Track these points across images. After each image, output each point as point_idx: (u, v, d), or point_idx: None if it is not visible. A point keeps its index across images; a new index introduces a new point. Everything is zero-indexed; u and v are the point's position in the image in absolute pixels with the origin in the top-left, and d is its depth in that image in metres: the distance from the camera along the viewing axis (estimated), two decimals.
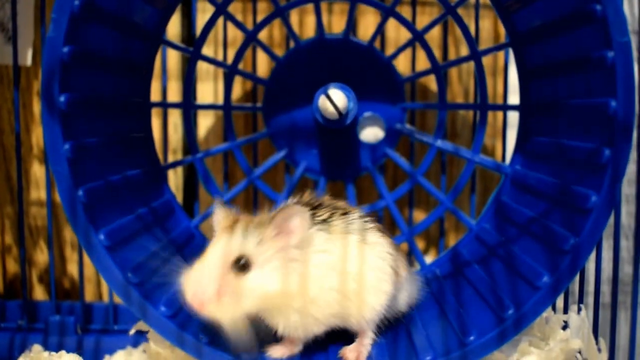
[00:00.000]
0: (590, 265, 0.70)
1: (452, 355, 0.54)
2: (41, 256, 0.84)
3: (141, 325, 0.60)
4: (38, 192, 0.83)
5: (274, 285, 0.52)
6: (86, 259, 0.74)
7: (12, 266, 0.84)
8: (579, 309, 0.60)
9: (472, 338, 0.54)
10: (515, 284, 0.56)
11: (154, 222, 0.63)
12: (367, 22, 0.81)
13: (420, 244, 0.82)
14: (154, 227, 0.63)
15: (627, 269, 0.81)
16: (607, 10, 0.51)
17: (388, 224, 0.79)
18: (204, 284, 0.51)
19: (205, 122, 0.82)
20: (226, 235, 0.53)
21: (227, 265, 0.52)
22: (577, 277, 0.62)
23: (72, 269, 0.84)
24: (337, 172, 0.74)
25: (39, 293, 0.84)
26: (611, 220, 0.56)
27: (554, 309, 0.65)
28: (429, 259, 0.80)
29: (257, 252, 0.52)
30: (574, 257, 0.53)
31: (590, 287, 0.76)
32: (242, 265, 0.52)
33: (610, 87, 0.52)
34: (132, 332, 0.61)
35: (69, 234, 0.83)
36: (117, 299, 0.72)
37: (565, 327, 0.61)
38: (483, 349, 0.54)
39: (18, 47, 0.70)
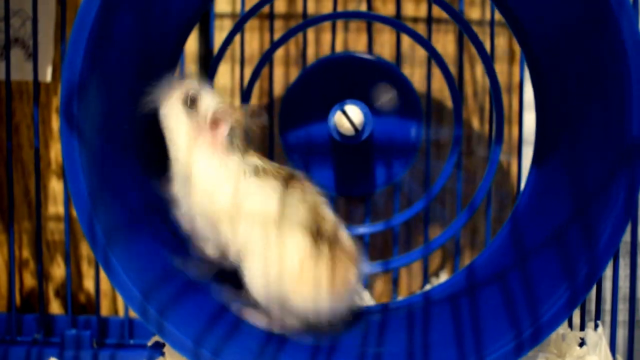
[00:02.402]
0: (607, 284, 0.70)
1: None
2: (58, 271, 0.84)
3: (159, 338, 0.60)
4: (56, 207, 0.83)
5: None
6: (102, 274, 0.75)
7: (29, 280, 0.84)
8: (596, 326, 0.60)
9: (488, 351, 0.54)
10: (532, 297, 0.56)
11: (171, 239, 0.64)
12: (383, 39, 0.82)
13: (435, 262, 0.82)
14: (172, 244, 0.63)
15: None
16: (623, 26, 0.52)
17: (403, 241, 0.79)
18: None
19: None
20: None
21: None
22: (594, 295, 0.62)
23: (89, 283, 0.84)
24: (353, 188, 0.74)
25: (55, 307, 0.84)
26: (627, 237, 0.55)
27: (570, 326, 0.65)
28: (444, 276, 0.80)
29: None
30: (591, 269, 0.53)
31: (606, 305, 0.75)
32: None
33: (627, 105, 0.52)
34: (150, 343, 0.61)
35: (85, 249, 0.84)
36: (133, 314, 0.72)
37: (582, 344, 0.60)
38: None
39: (38, 64, 0.71)
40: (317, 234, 0.59)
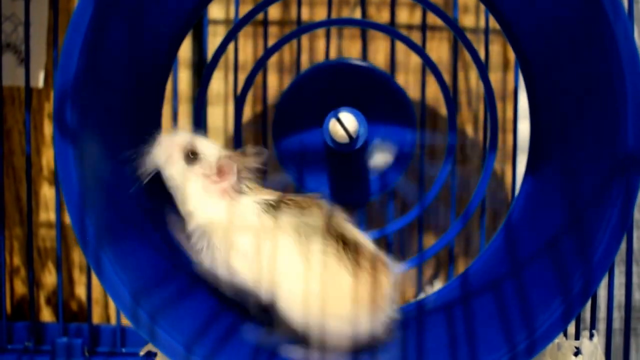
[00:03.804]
0: (602, 292, 0.70)
1: None
2: (49, 278, 0.83)
3: (151, 347, 0.59)
4: (47, 213, 0.83)
5: None
6: (94, 280, 0.74)
7: (20, 288, 0.84)
8: (591, 335, 0.60)
9: None
10: (527, 309, 0.56)
11: (164, 244, 0.63)
12: (377, 46, 0.82)
13: (428, 270, 0.82)
14: (163, 251, 0.63)
15: (638, 295, 0.80)
16: (618, 34, 0.52)
17: (398, 249, 0.79)
18: None
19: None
20: None
21: None
22: (589, 303, 0.62)
23: (80, 291, 0.84)
24: (347, 196, 0.74)
25: (47, 315, 0.84)
26: (623, 245, 0.55)
27: (565, 335, 0.65)
28: (438, 284, 0.80)
29: None
30: (586, 281, 0.53)
31: (601, 313, 0.75)
32: None
33: (621, 116, 0.52)
34: (142, 352, 0.61)
35: (77, 256, 0.83)
36: (125, 321, 0.72)
37: (577, 353, 0.60)
38: None
39: (30, 69, 0.71)
40: (346, 249, 0.59)
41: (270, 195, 0.61)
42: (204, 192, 0.60)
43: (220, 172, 0.60)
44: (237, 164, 0.60)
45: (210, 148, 0.61)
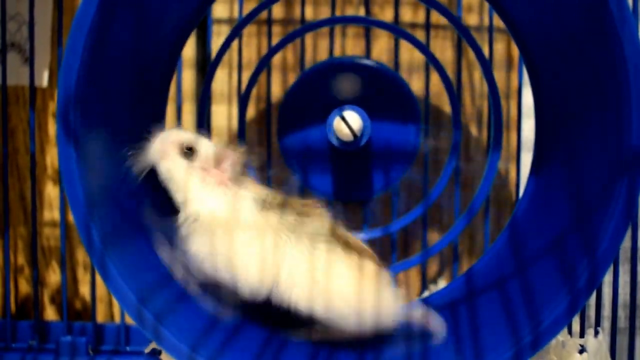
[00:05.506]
0: (607, 290, 0.70)
1: None
2: (53, 277, 0.84)
3: (156, 345, 0.59)
4: (51, 212, 0.83)
5: None
6: (98, 279, 0.74)
7: (24, 287, 0.84)
8: (596, 332, 0.60)
9: (487, 359, 0.53)
10: (531, 304, 0.56)
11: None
12: (381, 44, 0.82)
13: (433, 268, 0.82)
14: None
15: None
16: (623, 33, 0.52)
17: (401, 246, 0.79)
18: None
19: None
20: None
21: None
22: (594, 302, 0.61)
23: (84, 290, 0.84)
24: (350, 194, 0.74)
25: (51, 314, 0.84)
26: (628, 244, 0.55)
27: (570, 333, 0.65)
28: (442, 283, 0.80)
29: None
30: (590, 275, 0.53)
31: (606, 311, 0.75)
32: None
33: (626, 113, 0.52)
34: (147, 351, 0.61)
35: (81, 255, 0.83)
36: (129, 320, 0.72)
37: (582, 350, 0.60)
38: None
39: (34, 69, 0.71)
40: (346, 245, 0.60)
41: (268, 193, 0.61)
42: (201, 184, 0.60)
43: (217, 162, 0.61)
44: (234, 155, 0.61)
45: (205, 143, 0.62)
